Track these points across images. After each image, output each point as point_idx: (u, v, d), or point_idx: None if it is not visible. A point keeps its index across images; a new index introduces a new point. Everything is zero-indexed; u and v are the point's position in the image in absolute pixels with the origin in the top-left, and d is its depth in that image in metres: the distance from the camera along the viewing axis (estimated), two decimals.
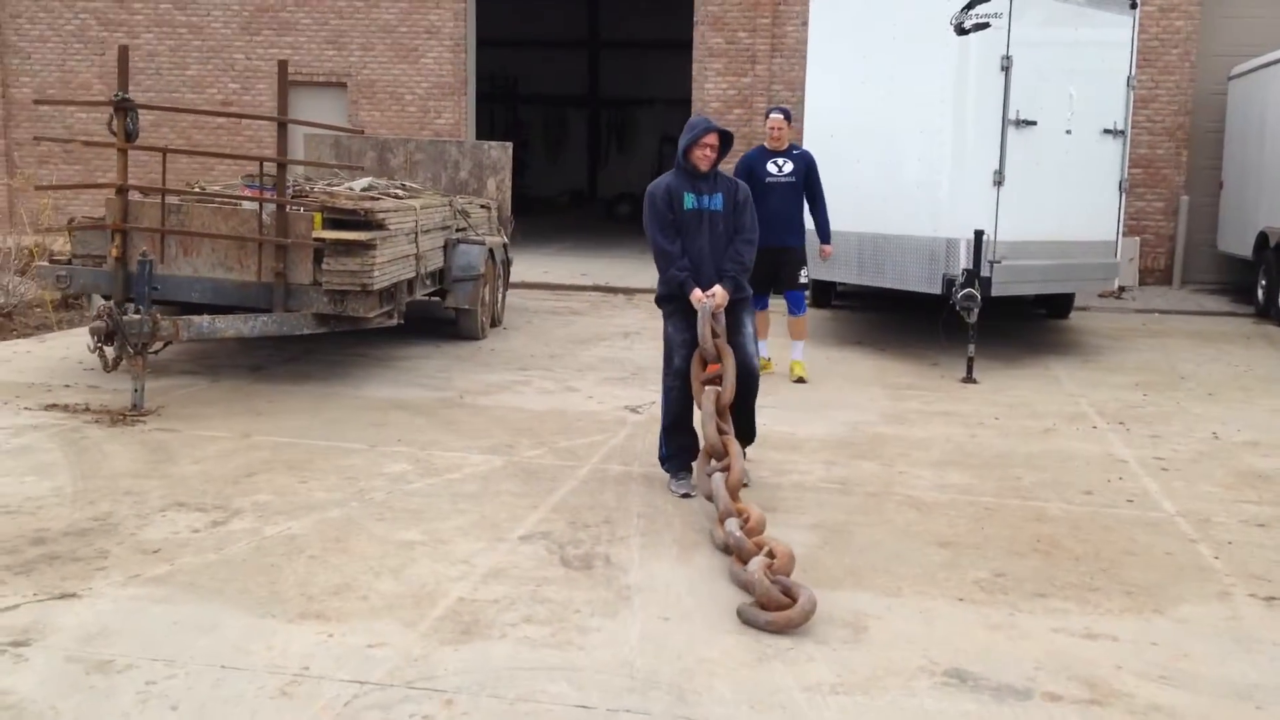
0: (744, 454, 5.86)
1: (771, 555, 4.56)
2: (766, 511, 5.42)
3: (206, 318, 7.46)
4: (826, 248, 9.44)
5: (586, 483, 6.06)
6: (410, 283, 9.03)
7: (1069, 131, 10.17)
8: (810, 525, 5.48)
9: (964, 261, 9.48)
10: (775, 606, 4.25)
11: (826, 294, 13.43)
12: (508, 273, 12.08)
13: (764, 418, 7.37)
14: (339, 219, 7.76)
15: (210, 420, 7.07)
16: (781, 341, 9.67)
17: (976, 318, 9.30)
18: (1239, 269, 15.48)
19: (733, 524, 4.89)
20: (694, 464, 5.91)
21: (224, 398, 7.75)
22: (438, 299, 10.38)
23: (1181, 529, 5.66)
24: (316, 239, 7.69)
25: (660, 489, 6.00)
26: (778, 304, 9.53)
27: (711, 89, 17.30)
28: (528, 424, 7.36)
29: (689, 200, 5.95)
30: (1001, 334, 11.31)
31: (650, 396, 8.33)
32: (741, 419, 6.02)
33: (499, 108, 30.06)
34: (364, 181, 10.20)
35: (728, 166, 6.80)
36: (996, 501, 6.00)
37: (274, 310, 7.80)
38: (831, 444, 7.13)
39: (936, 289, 9.71)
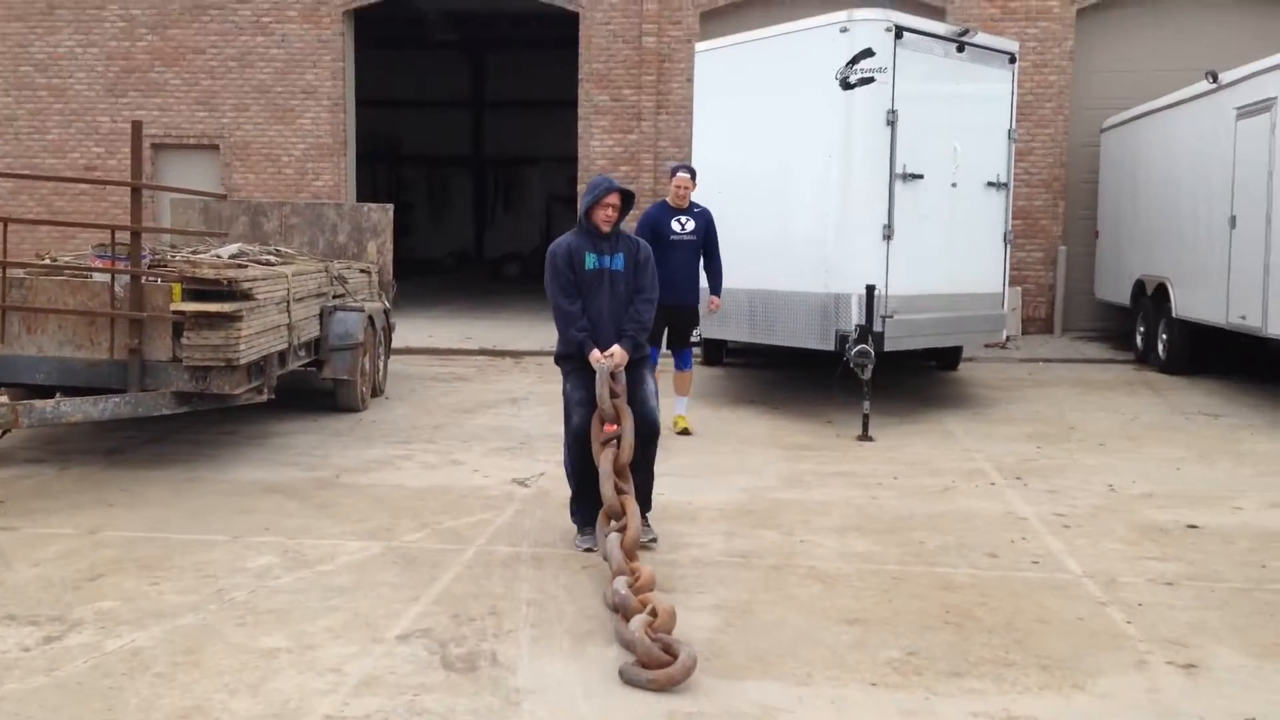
0: (643, 513, 5.92)
1: (654, 614, 4.54)
2: (666, 592, 5.15)
3: (50, 402, 6.89)
4: (715, 299, 9.35)
5: (471, 568, 5.65)
6: (282, 354, 8.53)
7: (954, 184, 10.17)
8: (712, 606, 5.15)
9: (856, 317, 9.35)
10: (656, 665, 4.25)
11: (719, 351, 13.24)
12: (389, 339, 11.62)
13: (660, 485, 7.12)
14: (201, 289, 7.26)
15: (54, 515, 6.47)
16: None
17: (870, 374, 9.16)
18: (1116, 316, 15.77)
19: (620, 582, 4.87)
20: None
21: (72, 488, 7.14)
22: (315, 369, 9.86)
23: (1090, 591, 5.47)
24: (175, 312, 7.17)
25: (551, 570, 5.62)
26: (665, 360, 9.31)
27: (598, 146, 17.13)
28: (409, 503, 6.91)
29: (590, 260, 5.98)
30: (894, 388, 11.22)
31: (538, 467, 7.97)
32: (642, 473, 6.03)
33: (381, 168, 29.57)
34: (232, 248, 9.67)
35: (629, 224, 6.63)
36: (901, 569, 5.75)
37: (129, 390, 7.25)
38: (730, 512, 6.84)
39: (829, 345, 9.55)
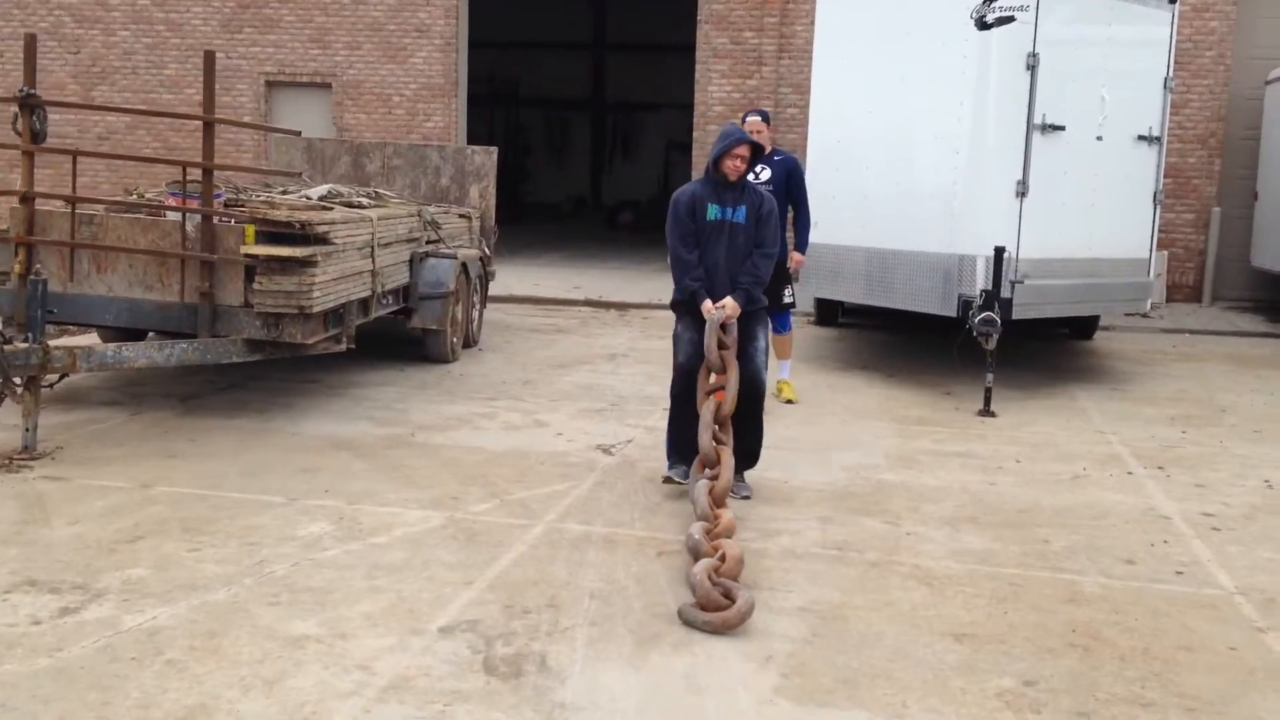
0: (743, 469, 6.01)
1: (722, 559, 4.58)
2: (752, 588, 4.59)
3: (112, 346, 6.57)
4: (797, 255, 8.58)
5: (536, 548, 5.13)
6: (365, 302, 8.11)
7: (1100, 138, 9.20)
8: (798, 609, 4.54)
9: (982, 281, 8.53)
10: (714, 608, 4.30)
11: (833, 311, 12.49)
12: (485, 288, 11.16)
13: (759, 461, 6.53)
14: (276, 232, 6.84)
15: (110, 466, 6.16)
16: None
17: (995, 344, 8.35)
18: (1274, 285, 14.49)
19: (698, 527, 4.91)
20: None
21: (138, 435, 6.84)
22: (404, 317, 9.45)
23: (1244, 613, 4.70)
24: (247, 255, 6.77)
25: (623, 555, 5.07)
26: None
27: (716, 92, 16.38)
28: (482, 468, 6.43)
29: (713, 211, 5.94)
30: (1021, 357, 10.35)
31: (626, 433, 7.42)
32: (746, 431, 5.95)
33: (499, 111, 29.19)
34: (322, 188, 9.28)
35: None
36: (1021, 574, 5.05)
37: (199, 335, 6.90)
38: (830, 495, 6.19)
39: (951, 311, 8.75)
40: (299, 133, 7.62)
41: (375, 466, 6.37)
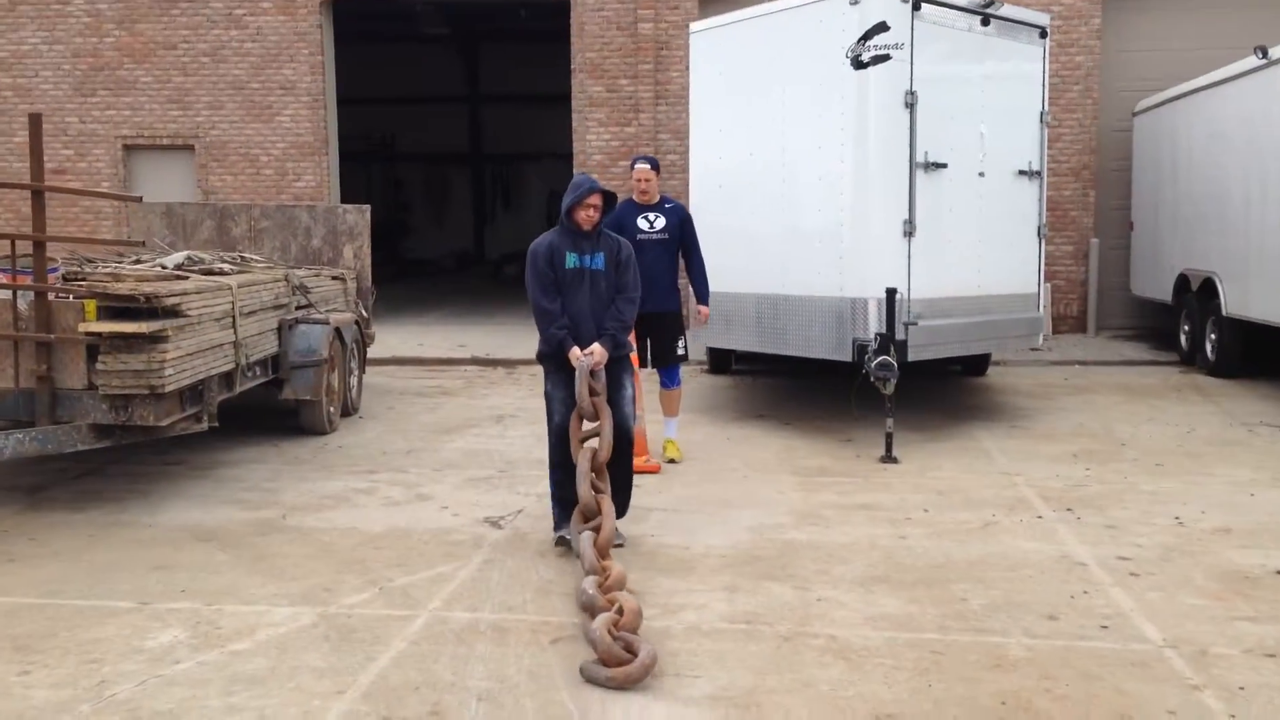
0: (619, 513, 5.87)
1: (620, 612, 4.51)
2: (656, 675, 4.25)
3: None
4: (704, 309, 8.31)
5: (418, 643, 4.64)
6: (228, 375, 7.55)
7: (982, 174, 9.13)
8: (708, 697, 4.14)
9: (875, 324, 8.32)
10: (615, 662, 4.23)
11: (726, 359, 12.22)
12: (363, 352, 10.62)
13: (654, 522, 6.30)
14: (121, 306, 6.27)
15: None
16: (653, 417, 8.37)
17: (893, 388, 8.12)
18: (1155, 313, 14.70)
19: (589, 581, 4.82)
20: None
21: None
22: (276, 388, 8.87)
23: (1176, 668, 4.44)
24: (88, 333, 6.18)
25: (515, 646, 4.61)
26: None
27: (594, 140, 16.12)
28: (359, 552, 5.91)
29: (571, 259, 5.98)
30: (917, 396, 10.18)
31: (517, 501, 6.98)
32: (618, 476, 5.96)
33: (376, 167, 28.61)
34: (179, 255, 8.70)
35: None
36: (942, 639, 4.73)
37: (38, 422, 6.27)
38: (734, 559, 5.82)
39: (846, 355, 8.52)
40: (139, 198, 7.09)
41: (239, 558, 5.81)
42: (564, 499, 5.91)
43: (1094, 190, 15.47)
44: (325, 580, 5.45)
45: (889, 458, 8.10)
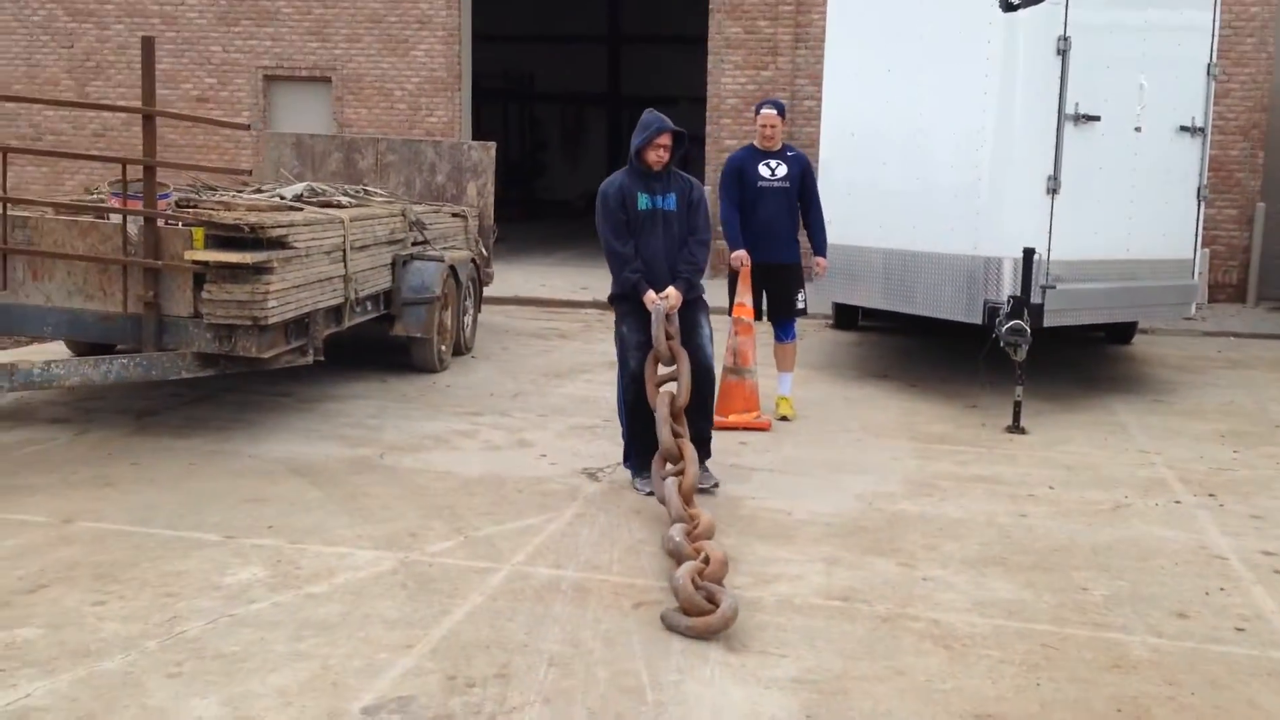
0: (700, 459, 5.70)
1: (706, 561, 4.43)
2: (736, 652, 4.00)
3: (40, 363, 5.97)
4: (822, 260, 7.95)
5: (495, 599, 4.46)
6: (337, 310, 7.48)
7: (1138, 129, 8.43)
8: (792, 680, 3.85)
9: (1009, 286, 7.81)
10: (696, 612, 4.17)
11: (852, 315, 11.77)
12: (479, 292, 10.51)
13: (756, 485, 6.02)
14: (230, 237, 6.22)
15: (34, 496, 5.53)
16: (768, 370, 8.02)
17: (1025, 355, 7.63)
18: None
19: (677, 529, 4.75)
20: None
21: (78, 459, 6.21)
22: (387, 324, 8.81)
23: None
24: (194, 261, 6.14)
25: (594, 609, 4.40)
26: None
27: (729, 84, 15.67)
28: (451, 498, 5.78)
29: (643, 200, 5.84)
30: (1052, 364, 9.61)
31: (618, 453, 6.70)
32: (698, 422, 5.88)
33: (513, 106, 28.56)
34: (298, 187, 8.67)
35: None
36: (1057, 632, 4.34)
37: (143, 348, 6.28)
38: (837, 529, 5.50)
39: (976, 318, 8.02)
40: (247, 126, 7.04)
41: (331, 496, 5.73)
42: (642, 447, 5.90)
43: (1263, 151, 14.41)
44: (412, 525, 5.32)
45: (1016, 428, 7.63)
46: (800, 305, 7.85)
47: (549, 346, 10.68)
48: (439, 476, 6.16)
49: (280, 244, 6.39)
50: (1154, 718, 3.68)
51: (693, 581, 4.27)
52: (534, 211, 26.14)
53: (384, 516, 5.43)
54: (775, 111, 7.70)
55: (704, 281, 6.17)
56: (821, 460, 6.80)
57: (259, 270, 6.14)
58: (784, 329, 7.87)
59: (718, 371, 7.00)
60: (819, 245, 7.89)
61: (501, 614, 4.31)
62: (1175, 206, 8.88)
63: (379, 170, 11.56)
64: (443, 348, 9.10)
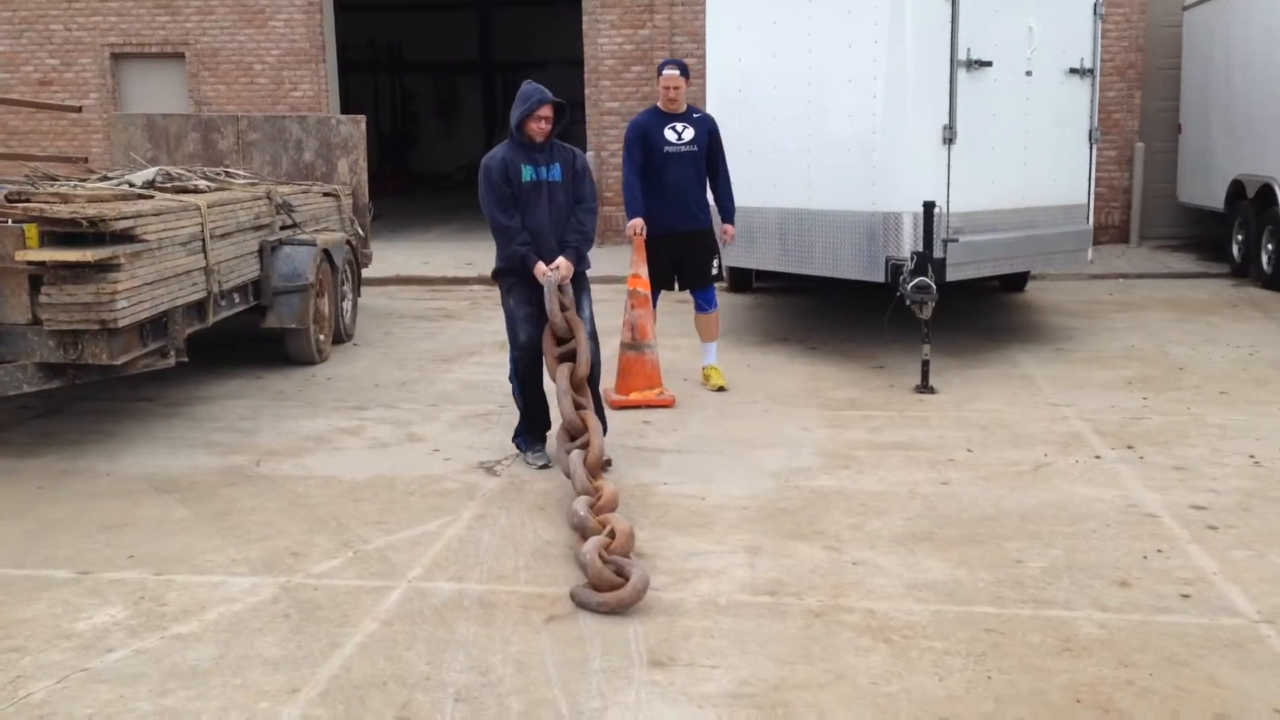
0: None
1: (612, 535, 4.38)
2: (662, 665, 3.65)
3: None
4: (729, 228, 7.58)
5: (391, 624, 4.01)
6: (200, 305, 6.88)
7: (1029, 73, 8.25)
8: (728, 695, 3.49)
9: (910, 241, 7.55)
10: (606, 587, 4.11)
11: (746, 277, 11.47)
12: (358, 274, 9.91)
13: (666, 468, 5.75)
14: (69, 233, 5.58)
15: None
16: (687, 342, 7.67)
17: (931, 312, 7.39)
18: (1204, 222, 13.84)
19: (581, 503, 4.70)
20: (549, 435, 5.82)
21: None
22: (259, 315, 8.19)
23: (1277, 649, 3.77)
24: (29, 262, 5.49)
25: (502, 627, 3.98)
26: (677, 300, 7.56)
27: (606, 44, 15.19)
28: (336, 506, 5.28)
29: (527, 172, 5.76)
30: (950, 315, 9.41)
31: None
32: (590, 396, 5.74)
33: (383, 78, 27.62)
34: (149, 172, 8.00)
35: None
36: (999, 614, 4.07)
37: None
38: (755, 512, 5.16)
39: (879, 276, 7.76)
40: (78, 108, 6.35)
41: (200, 514, 5.18)
42: (532, 420, 5.96)
43: (1139, 91, 14.50)
44: (293, 542, 4.82)
45: (925, 388, 7.40)
46: (715, 271, 7.61)
47: (435, 328, 10.16)
48: (322, 483, 5.65)
49: (128, 237, 5.77)
50: (1116, 706, 3.41)
51: (600, 556, 4.20)
52: (411, 185, 25.35)
53: (261, 534, 4.91)
54: (678, 72, 7.30)
55: (590, 253, 6.06)
56: (731, 436, 6.46)
57: (104, 268, 5.53)
58: (704, 297, 7.60)
59: (612, 350, 6.65)
60: (727, 211, 7.54)
61: (399, 642, 3.86)
62: (1068, 151, 8.73)
63: (241, 150, 10.85)
64: (321, 337, 8.53)
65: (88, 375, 5.91)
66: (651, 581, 4.28)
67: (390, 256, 14.31)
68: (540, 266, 5.69)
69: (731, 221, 7.56)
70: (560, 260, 5.73)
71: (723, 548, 4.74)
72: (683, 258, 7.47)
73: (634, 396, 7.10)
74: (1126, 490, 5.42)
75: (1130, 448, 6.11)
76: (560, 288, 5.68)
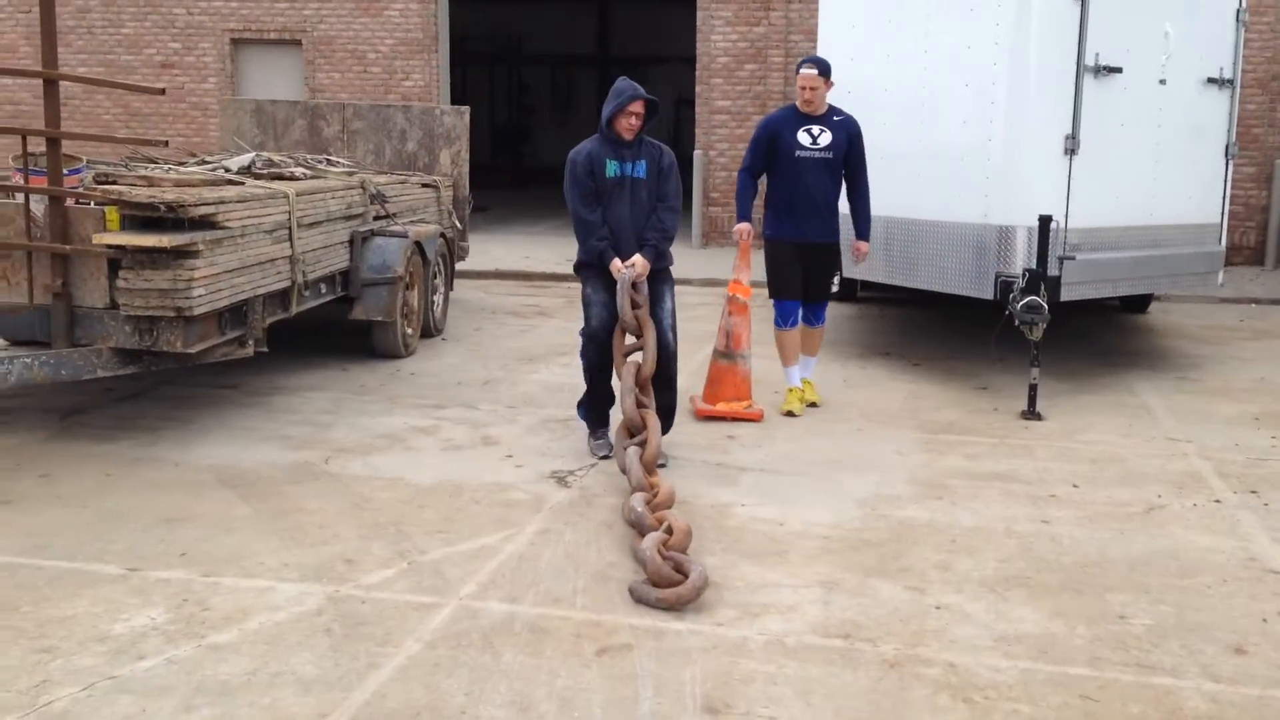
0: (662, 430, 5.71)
1: (670, 531, 4.40)
2: (721, 713, 3.36)
3: None
4: (861, 244, 7.05)
5: (435, 646, 3.79)
6: (283, 294, 6.78)
7: (1163, 81, 7.71)
8: None
9: (1024, 258, 7.11)
10: (666, 584, 4.12)
11: (850, 285, 11.05)
12: (450, 268, 9.78)
13: (745, 488, 5.49)
14: (145, 216, 5.51)
15: None
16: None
17: (1041, 334, 6.93)
18: None
19: (638, 499, 4.71)
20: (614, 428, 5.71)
21: None
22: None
23: None
24: (109, 246, 5.43)
25: (550, 655, 3.73)
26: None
27: (719, 41, 14.88)
28: (398, 511, 5.10)
29: (611, 168, 5.76)
30: (1064, 335, 8.92)
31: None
32: (661, 391, 5.81)
33: (500, 69, 27.69)
34: (245, 158, 7.95)
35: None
36: (1096, 677, 3.67)
37: (54, 344, 5.58)
38: (836, 543, 4.83)
39: (987, 293, 7.33)
40: (162, 90, 6.22)
41: (260, 512, 5.04)
42: (596, 407, 6.02)
43: None
44: (349, 548, 4.64)
45: (1031, 414, 6.95)
46: (835, 289, 7.33)
47: (527, 326, 9.99)
48: (387, 484, 5.48)
49: (208, 223, 5.67)
50: None
51: (659, 552, 4.21)
52: (522, 179, 25.35)
53: (318, 538, 4.75)
54: (816, 71, 6.76)
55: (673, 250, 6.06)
56: (818, 456, 6.12)
57: (181, 254, 5.43)
58: (814, 313, 7.16)
59: (704, 357, 6.39)
60: (862, 225, 7.02)
61: (440, 667, 3.64)
62: (1202, 166, 8.16)
63: (346, 138, 10.85)
64: (408, 330, 8.40)
65: (163, 363, 5.84)
66: (717, 615, 4.01)
67: (491, 249, 14.23)
68: (616, 263, 5.71)
69: (865, 237, 7.04)
70: (636, 258, 5.72)
71: (797, 581, 4.42)
72: (807, 269, 6.99)
73: (721, 407, 6.81)
74: (1248, 541, 4.95)
75: (1254, 492, 5.61)
76: (635, 285, 5.65)
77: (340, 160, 9.79)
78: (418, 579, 4.35)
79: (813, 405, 7.13)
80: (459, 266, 10.65)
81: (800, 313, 7.08)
